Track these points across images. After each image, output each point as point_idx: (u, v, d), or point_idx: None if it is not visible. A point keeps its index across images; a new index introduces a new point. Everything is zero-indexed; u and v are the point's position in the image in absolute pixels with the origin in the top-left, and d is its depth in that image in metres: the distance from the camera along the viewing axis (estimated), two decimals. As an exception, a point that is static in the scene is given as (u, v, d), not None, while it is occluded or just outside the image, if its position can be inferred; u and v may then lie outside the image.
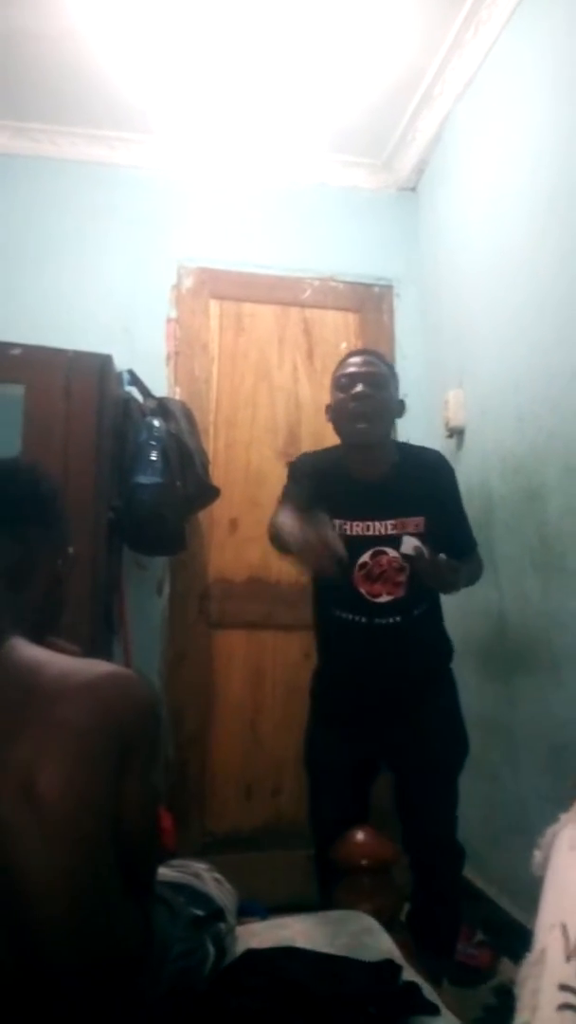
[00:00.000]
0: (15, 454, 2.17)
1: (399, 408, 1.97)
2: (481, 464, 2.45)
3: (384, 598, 1.86)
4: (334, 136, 2.94)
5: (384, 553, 1.86)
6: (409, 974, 1.18)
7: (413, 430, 2.97)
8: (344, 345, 3.02)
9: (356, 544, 1.86)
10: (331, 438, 2.82)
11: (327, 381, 2.91)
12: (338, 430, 1.95)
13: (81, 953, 0.82)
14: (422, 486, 1.91)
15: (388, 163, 3.09)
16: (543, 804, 1.94)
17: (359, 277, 3.08)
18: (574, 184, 1.93)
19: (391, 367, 2.00)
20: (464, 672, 2.33)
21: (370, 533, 1.87)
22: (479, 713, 2.26)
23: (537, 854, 0.62)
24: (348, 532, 1.87)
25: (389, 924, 1.42)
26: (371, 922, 1.35)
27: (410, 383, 3.00)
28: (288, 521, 1.77)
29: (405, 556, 1.84)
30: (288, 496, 1.96)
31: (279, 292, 3.01)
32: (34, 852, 0.79)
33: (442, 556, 1.73)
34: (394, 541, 1.85)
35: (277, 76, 2.61)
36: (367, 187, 3.16)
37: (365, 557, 1.87)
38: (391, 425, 1.97)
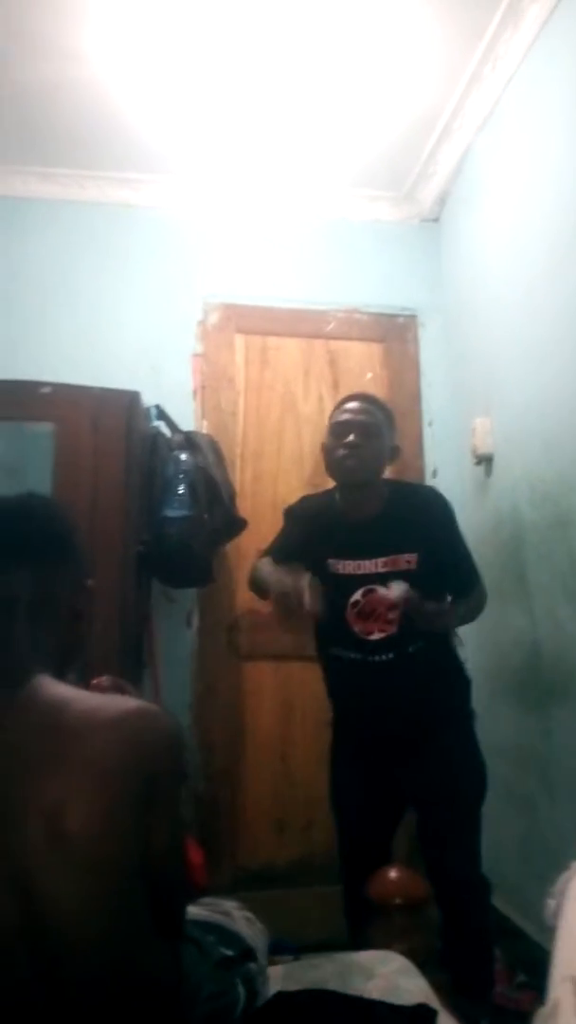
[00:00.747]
0: (47, 491, 2.21)
1: (392, 454, 2.01)
2: (510, 491, 2.43)
3: (376, 636, 1.89)
4: (356, 170, 2.98)
5: (375, 591, 1.88)
6: (445, 1018, 1.15)
7: (441, 458, 2.97)
8: (370, 375, 3.04)
9: (348, 583, 1.91)
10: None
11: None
12: (328, 472, 2.01)
13: (111, 992, 0.82)
14: (414, 523, 1.93)
15: (410, 195, 3.13)
16: (582, 840, 1.89)
17: (383, 308, 3.10)
18: (595, 211, 1.94)
19: (388, 413, 2.02)
20: (498, 703, 2.29)
21: (361, 572, 1.90)
22: (515, 744, 2.21)
23: (550, 903, 0.61)
24: (340, 571, 1.92)
25: (424, 965, 1.39)
26: (405, 963, 1.32)
27: (436, 411, 3.02)
28: (267, 568, 1.91)
29: (354, 604, 1.88)
30: (274, 544, 2.07)
31: (303, 325, 3.04)
32: (64, 890, 0.79)
33: (429, 601, 1.76)
34: (385, 579, 1.87)
35: (297, 113, 2.66)
36: (390, 219, 3.19)
37: (357, 595, 1.90)
38: (381, 469, 1.99)
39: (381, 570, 1.88)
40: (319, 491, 2.17)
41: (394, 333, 3.11)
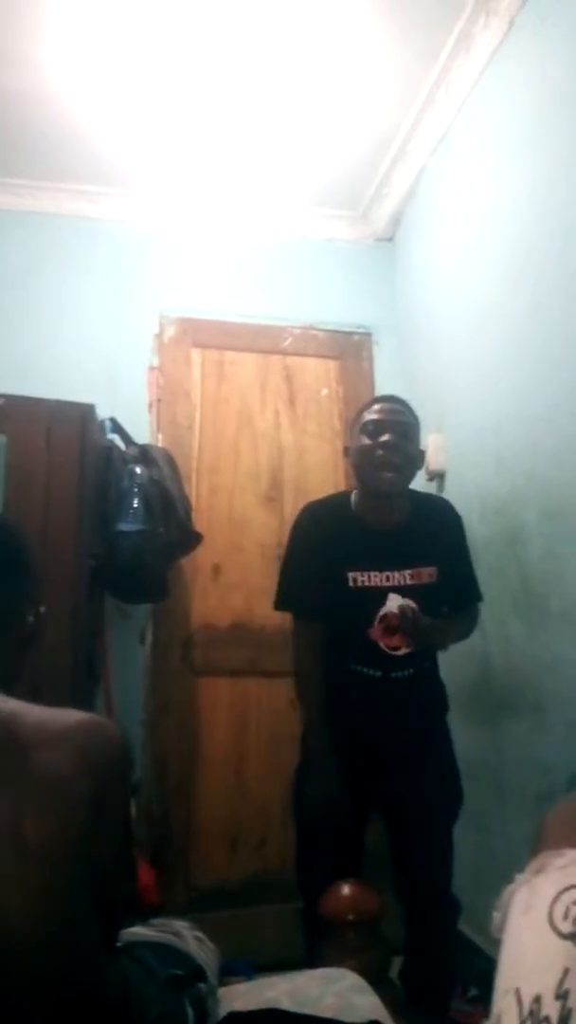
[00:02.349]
0: (-4, 504, 2.17)
1: (421, 458, 1.95)
2: (462, 507, 2.44)
3: (403, 651, 1.83)
4: (313, 189, 3.02)
5: (409, 604, 1.81)
6: (397, 1034, 1.15)
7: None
8: (325, 391, 3.06)
9: (375, 595, 1.83)
10: (313, 483, 2.86)
11: (309, 427, 2.99)
12: (359, 475, 1.90)
13: (60, 1006, 0.81)
14: (434, 535, 1.90)
15: (365, 215, 3.18)
16: (530, 853, 1.91)
17: (339, 325, 3.14)
18: (546, 234, 1.99)
19: (416, 417, 1.95)
20: (450, 717, 2.31)
21: (389, 584, 1.83)
22: (465, 759, 2.23)
23: (496, 915, 0.61)
24: (363, 584, 1.84)
25: (377, 981, 1.39)
26: (358, 980, 1.32)
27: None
28: (311, 677, 1.86)
29: (382, 618, 1.82)
30: (294, 594, 1.92)
31: (260, 340, 3.06)
32: (20, 902, 0.78)
33: (426, 618, 1.74)
34: (412, 591, 1.82)
35: (255, 131, 2.69)
36: (346, 238, 3.24)
37: (393, 606, 1.81)
38: (413, 476, 1.93)
39: (409, 582, 1.83)
40: (328, 496, 2.07)
41: (349, 350, 3.14)
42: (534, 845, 0.63)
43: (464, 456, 2.50)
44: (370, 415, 1.88)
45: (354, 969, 1.36)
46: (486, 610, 2.14)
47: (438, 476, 2.67)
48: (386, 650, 1.83)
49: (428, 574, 1.85)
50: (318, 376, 3.08)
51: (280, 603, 1.96)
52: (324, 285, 3.17)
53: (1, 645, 0.97)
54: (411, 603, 1.80)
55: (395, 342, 3.13)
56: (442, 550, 1.89)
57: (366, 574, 1.83)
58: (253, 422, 2.99)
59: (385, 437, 1.82)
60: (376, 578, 1.83)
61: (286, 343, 3.08)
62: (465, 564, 1.97)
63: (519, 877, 0.60)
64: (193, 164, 2.86)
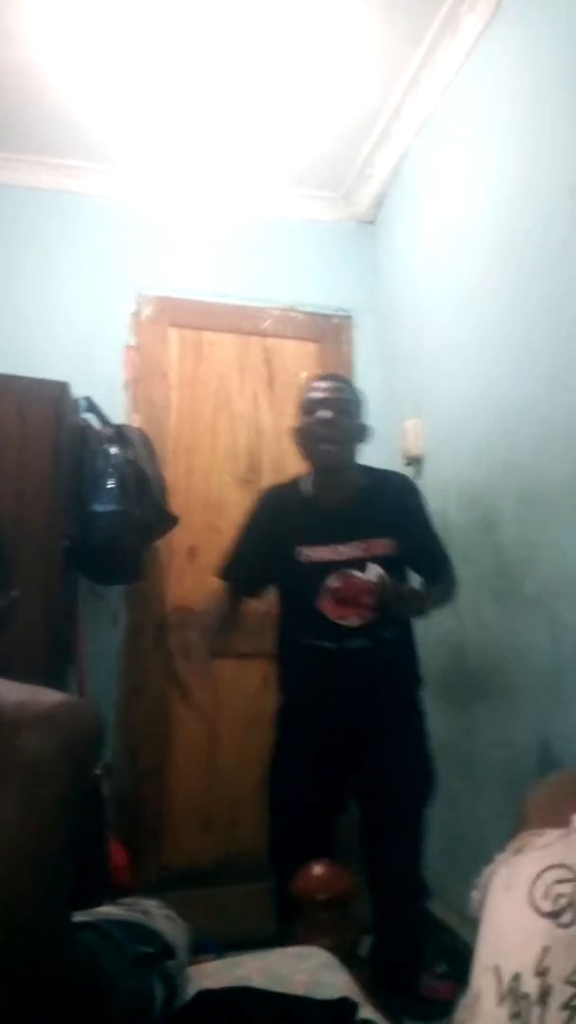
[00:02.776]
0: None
1: (365, 433, 1.97)
2: (439, 493, 2.47)
3: (353, 621, 1.85)
4: (294, 169, 2.99)
5: (352, 576, 1.84)
6: (367, 1011, 1.16)
7: (372, 458, 3.00)
8: (304, 374, 3.04)
9: (321, 569, 1.86)
10: (292, 465, 2.82)
11: (288, 409, 2.96)
12: (304, 453, 1.95)
13: (33, 985, 0.80)
14: (389, 508, 1.92)
15: (347, 196, 3.15)
16: (503, 833, 1.93)
17: (319, 308, 3.12)
18: (527, 220, 1.99)
19: (358, 392, 2.00)
20: (424, 699, 2.32)
21: (338, 557, 1.86)
22: (439, 741, 2.24)
23: (474, 894, 0.62)
24: (313, 558, 1.87)
25: (347, 959, 1.39)
26: (328, 958, 1.32)
27: (369, 412, 3.05)
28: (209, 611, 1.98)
29: (330, 590, 1.84)
30: (226, 558, 2.05)
31: (239, 321, 3.03)
32: None
33: (406, 584, 1.74)
34: (363, 564, 1.84)
35: (238, 110, 2.65)
36: (327, 219, 3.21)
37: (334, 581, 1.85)
38: (356, 450, 1.96)
39: (359, 555, 1.85)
40: (285, 480, 2.11)
41: (329, 333, 3.12)
42: (514, 825, 0.63)
43: (442, 442, 2.50)
44: (309, 394, 1.94)
45: (325, 948, 1.36)
46: (461, 594, 2.16)
47: (415, 461, 2.67)
48: (336, 621, 1.85)
49: (382, 546, 1.87)
50: (297, 358, 3.06)
51: (219, 572, 2.08)
52: (305, 267, 3.15)
53: None
54: (357, 574, 1.84)
55: (375, 325, 3.12)
56: (398, 523, 1.91)
57: (315, 548, 1.88)
58: (231, 403, 2.97)
59: (323, 413, 1.87)
60: (325, 552, 1.87)
61: (265, 324, 3.05)
62: (426, 534, 1.98)
63: (499, 856, 0.60)
64: (175, 141, 2.82)
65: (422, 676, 2.00)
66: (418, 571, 1.96)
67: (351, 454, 1.93)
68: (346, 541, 1.86)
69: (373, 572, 1.80)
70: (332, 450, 1.88)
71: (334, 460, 1.89)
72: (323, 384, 1.95)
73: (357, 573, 1.83)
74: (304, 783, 1.89)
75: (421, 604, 1.77)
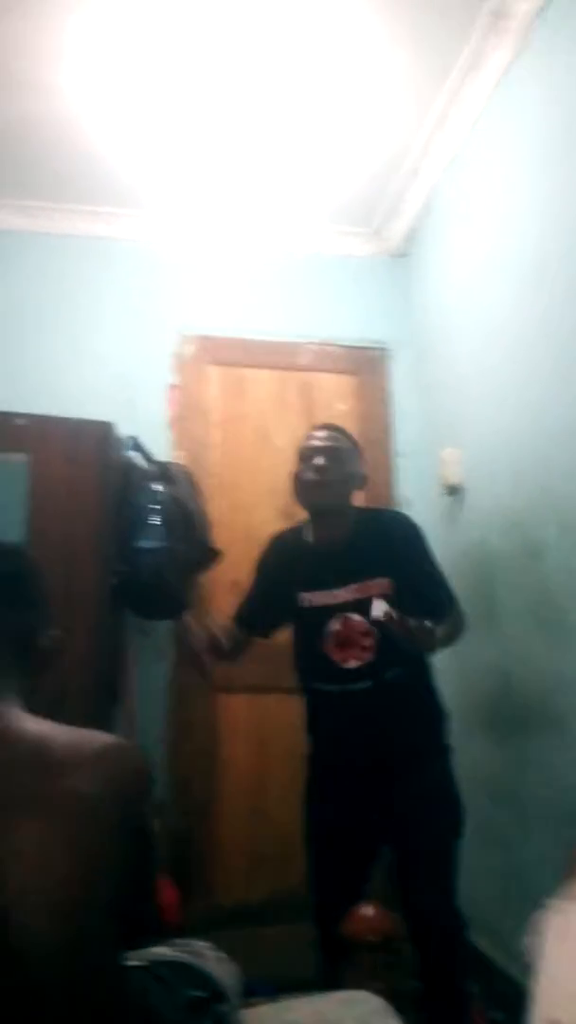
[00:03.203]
0: (20, 522, 2.20)
1: (359, 480, 2.04)
2: (480, 521, 2.46)
3: (352, 663, 1.88)
4: (329, 207, 3.05)
5: (350, 619, 1.89)
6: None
7: (412, 488, 3.01)
8: (343, 407, 3.07)
9: (321, 614, 1.92)
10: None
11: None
12: (298, 499, 2.03)
13: None
14: (383, 548, 1.93)
15: (379, 232, 3.20)
16: (554, 871, 1.89)
17: (355, 341, 3.15)
18: (558, 250, 1.99)
19: (353, 441, 2.07)
20: (469, 734, 2.30)
21: (333, 602, 1.91)
22: (487, 777, 2.22)
23: (527, 940, 0.61)
24: (312, 603, 1.93)
25: (400, 1004, 1.37)
26: (380, 1003, 1.31)
27: (407, 442, 3.06)
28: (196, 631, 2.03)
29: (375, 620, 1.82)
30: (245, 605, 2.13)
31: (277, 357, 3.08)
32: (42, 928, 0.78)
33: (412, 619, 1.72)
34: (359, 606, 1.87)
35: (270, 150, 2.72)
36: (361, 255, 3.25)
37: (334, 625, 1.90)
38: (349, 495, 2.02)
39: (353, 597, 1.89)
40: (292, 526, 2.16)
41: (366, 366, 3.15)
42: (567, 870, 0.63)
43: (480, 470, 2.49)
44: (305, 443, 2.02)
45: (376, 992, 1.35)
46: (505, 623, 2.14)
47: (455, 491, 2.67)
48: (338, 664, 1.89)
49: (378, 587, 1.88)
50: (335, 392, 3.09)
51: (235, 616, 2.15)
52: (340, 301, 3.19)
53: (18, 669, 0.98)
54: (356, 618, 1.88)
55: (411, 357, 3.14)
56: (393, 562, 1.91)
57: (314, 594, 1.94)
58: (271, 438, 3.00)
59: (315, 460, 1.95)
60: (323, 597, 1.93)
61: (303, 359, 3.10)
62: (424, 573, 1.96)
63: (552, 903, 0.59)
64: (208, 183, 2.90)
65: (443, 710, 1.98)
66: (418, 610, 1.93)
67: (343, 498, 1.99)
68: (342, 584, 1.91)
69: (379, 609, 1.79)
70: (321, 492, 1.95)
71: (323, 500, 1.96)
72: (319, 433, 2.03)
73: (354, 616, 1.87)
74: (331, 825, 1.92)
75: (429, 638, 1.74)
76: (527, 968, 0.62)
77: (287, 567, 2.03)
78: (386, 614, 1.76)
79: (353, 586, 1.90)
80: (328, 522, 1.98)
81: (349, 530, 1.97)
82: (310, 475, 1.95)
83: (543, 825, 2.06)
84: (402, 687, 1.89)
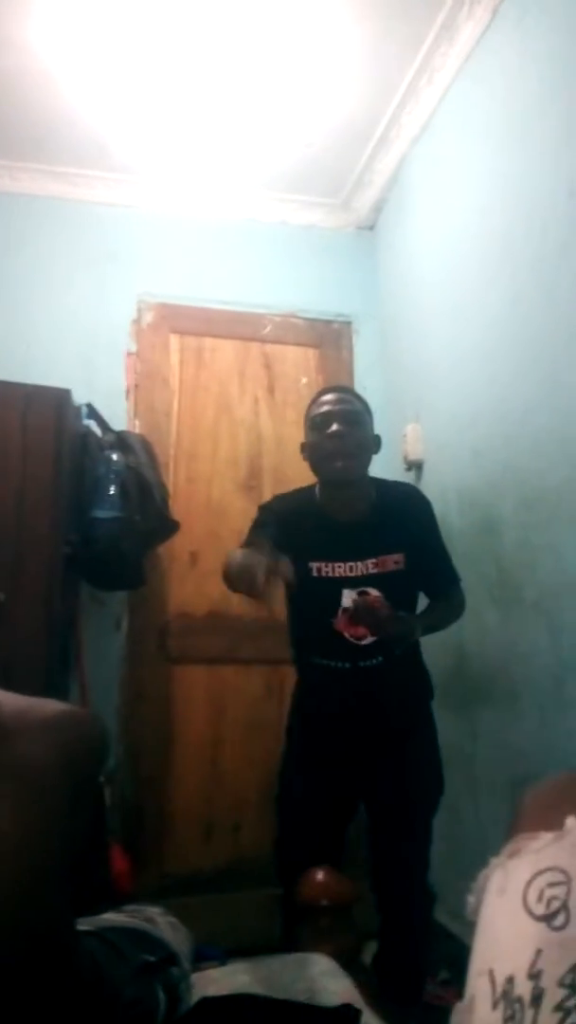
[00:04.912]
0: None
1: (376, 444, 1.92)
2: (439, 497, 2.46)
3: (368, 639, 1.82)
4: (294, 176, 3.00)
5: (368, 593, 1.80)
6: (369, 1017, 1.16)
7: (373, 464, 3.00)
8: (304, 380, 3.05)
9: (334, 585, 1.83)
10: (292, 471, 2.85)
11: (288, 415, 2.98)
12: (315, 469, 1.89)
13: (36, 997, 0.80)
14: (400, 522, 1.88)
15: (347, 203, 3.16)
16: (504, 837, 1.94)
17: (319, 314, 3.13)
18: (525, 226, 2.00)
19: (365, 403, 1.93)
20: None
21: (353, 574, 1.82)
22: (440, 746, 2.25)
23: (471, 899, 0.62)
24: (326, 574, 1.84)
25: (350, 965, 1.39)
26: (331, 964, 1.32)
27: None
28: (236, 553, 1.70)
29: (345, 609, 1.80)
30: (248, 538, 1.89)
31: (239, 327, 3.04)
32: None
33: (387, 609, 1.72)
34: (377, 580, 1.81)
35: (237, 117, 2.66)
36: (326, 226, 3.22)
37: (349, 599, 1.81)
38: (369, 462, 1.91)
39: (372, 571, 1.82)
40: (297, 489, 2.03)
41: (329, 339, 3.13)
42: (509, 828, 0.64)
43: (441, 446, 2.51)
44: (317, 409, 1.87)
45: (327, 954, 1.37)
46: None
47: (415, 466, 2.68)
48: (352, 640, 1.82)
49: (394, 561, 1.84)
50: (298, 364, 3.07)
51: (248, 534, 1.90)
52: (305, 273, 3.16)
53: None
54: (373, 594, 1.79)
55: (375, 331, 3.13)
56: (409, 537, 1.87)
57: (329, 565, 1.83)
58: (232, 409, 2.98)
59: (333, 427, 1.81)
60: (339, 569, 1.83)
61: (266, 330, 3.06)
62: (435, 549, 1.94)
63: (493, 860, 0.60)
64: (174, 149, 2.83)
65: (432, 685, 1.99)
66: (423, 586, 1.93)
67: (364, 467, 1.88)
68: (360, 557, 1.82)
69: (348, 599, 1.79)
70: (346, 465, 1.81)
71: (348, 474, 1.83)
72: (330, 396, 1.88)
73: (372, 591, 1.79)
74: (315, 791, 1.88)
75: (404, 628, 1.73)
76: (471, 926, 0.63)
77: (297, 533, 1.85)
78: (355, 603, 1.76)
79: (371, 560, 1.82)
80: (348, 494, 1.86)
81: (368, 502, 1.88)
82: (329, 445, 1.80)
83: (495, 792, 2.11)
84: (406, 660, 1.87)
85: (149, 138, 2.78)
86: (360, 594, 1.80)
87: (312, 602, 1.86)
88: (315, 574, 1.84)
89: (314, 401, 1.92)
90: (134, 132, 2.75)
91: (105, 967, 0.98)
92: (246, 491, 2.88)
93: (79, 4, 2.20)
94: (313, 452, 1.87)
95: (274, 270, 3.13)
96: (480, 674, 2.22)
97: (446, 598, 1.95)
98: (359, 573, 1.82)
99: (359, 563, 1.82)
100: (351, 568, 1.83)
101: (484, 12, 2.19)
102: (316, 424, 1.85)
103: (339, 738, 1.89)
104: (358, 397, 1.94)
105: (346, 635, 1.82)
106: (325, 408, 1.85)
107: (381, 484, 1.96)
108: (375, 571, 1.82)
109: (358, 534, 1.85)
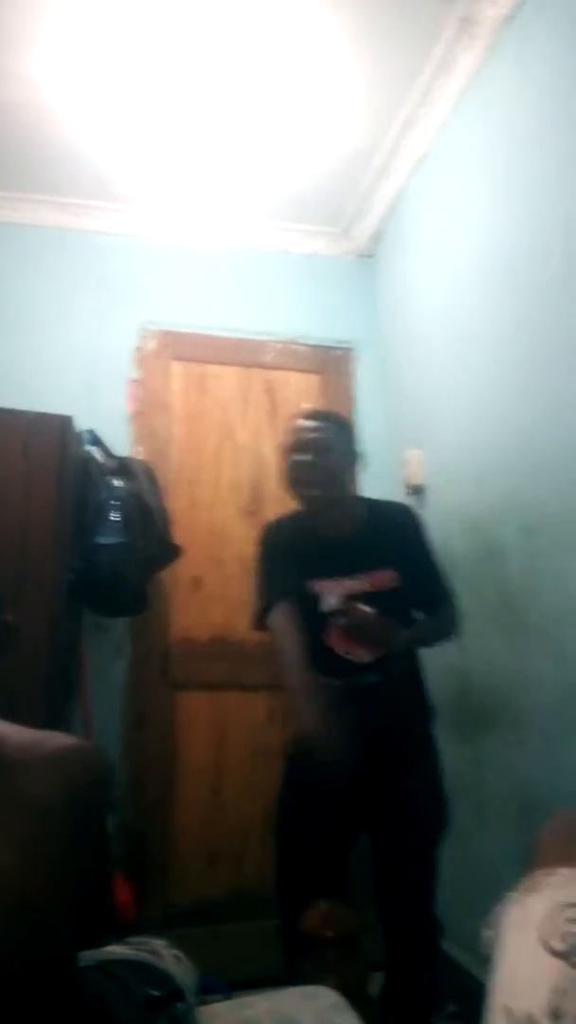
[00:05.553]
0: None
1: (352, 462, 1.94)
2: (441, 523, 2.47)
3: (360, 656, 1.82)
4: (294, 206, 3.04)
5: (359, 609, 1.79)
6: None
7: (375, 488, 3.01)
8: (307, 406, 3.07)
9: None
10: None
11: (290, 441, 2.98)
12: (292, 497, 1.94)
13: None
14: (391, 539, 1.90)
15: (347, 231, 3.20)
16: (513, 866, 1.91)
17: (320, 340, 3.16)
18: (524, 255, 2.02)
19: (340, 422, 1.97)
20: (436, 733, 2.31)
21: (343, 591, 1.83)
22: (447, 774, 2.23)
23: (487, 933, 0.61)
24: (320, 591, 1.85)
25: (356, 998, 1.38)
26: (337, 998, 1.31)
27: (371, 442, 3.04)
28: (288, 651, 1.76)
29: (330, 613, 1.81)
30: (265, 584, 1.91)
31: (242, 354, 3.06)
32: None
33: (374, 614, 1.72)
34: (371, 598, 1.81)
35: (238, 147, 2.70)
36: (327, 254, 3.26)
37: (341, 615, 1.81)
38: (346, 481, 1.93)
39: (367, 589, 1.83)
40: (287, 513, 2.05)
41: (331, 365, 3.16)
42: (527, 863, 0.63)
43: (443, 472, 2.52)
44: (287, 437, 1.92)
45: (333, 987, 1.35)
46: (466, 626, 2.15)
47: (417, 491, 2.69)
48: (344, 657, 1.82)
49: (388, 579, 1.85)
50: (299, 390, 3.09)
51: (259, 617, 1.92)
52: (306, 300, 3.19)
53: None
54: (334, 599, 1.81)
55: (376, 358, 3.16)
56: (400, 554, 1.88)
57: (322, 582, 1.85)
58: (234, 435, 2.99)
59: (299, 457, 1.86)
60: (331, 586, 1.84)
61: (268, 357, 3.09)
62: (426, 565, 1.94)
63: (511, 895, 0.60)
64: (176, 178, 2.87)
65: (433, 708, 1.96)
66: (417, 603, 1.94)
67: (339, 491, 1.90)
68: (351, 574, 1.84)
69: (331, 599, 1.79)
70: (312, 493, 1.86)
71: (316, 502, 1.88)
72: (298, 425, 1.92)
73: (364, 607, 1.79)
74: (315, 819, 1.84)
75: (389, 636, 1.73)
76: (485, 961, 0.62)
77: (294, 553, 1.90)
78: (341, 600, 1.76)
79: (363, 576, 1.84)
80: (334, 514, 1.90)
81: (357, 519, 1.91)
82: (298, 473, 1.86)
83: (501, 820, 2.09)
84: (405, 680, 1.86)
85: (150, 169, 2.82)
86: (352, 610, 1.79)
87: (307, 619, 1.86)
88: (310, 591, 1.85)
89: (287, 428, 1.97)
90: (135, 163, 2.79)
91: (110, 1001, 0.97)
92: (248, 516, 2.88)
93: (81, 38, 2.24)
94: (286, 480, 1.91)
95: (276, 297, 3.16)
96: (485, 700, 2.20)
97: (434, 614, 1.95)
98: (350, 590, 1.83)
99: (350, 580, 1.84)
100: (343, 585, 1.84)
101: (482, 44, 2.23)
102: (286, 452, 1.90)
103: (335, 762, 1.82)
104: (333, 422, 1.96)
105: (338, 651, 1.83)
106: (293, 438, 1.90)
107: (372, 503, 2.01)
108: (370, 588, 1.83)
109: (348, 550, 1.87)
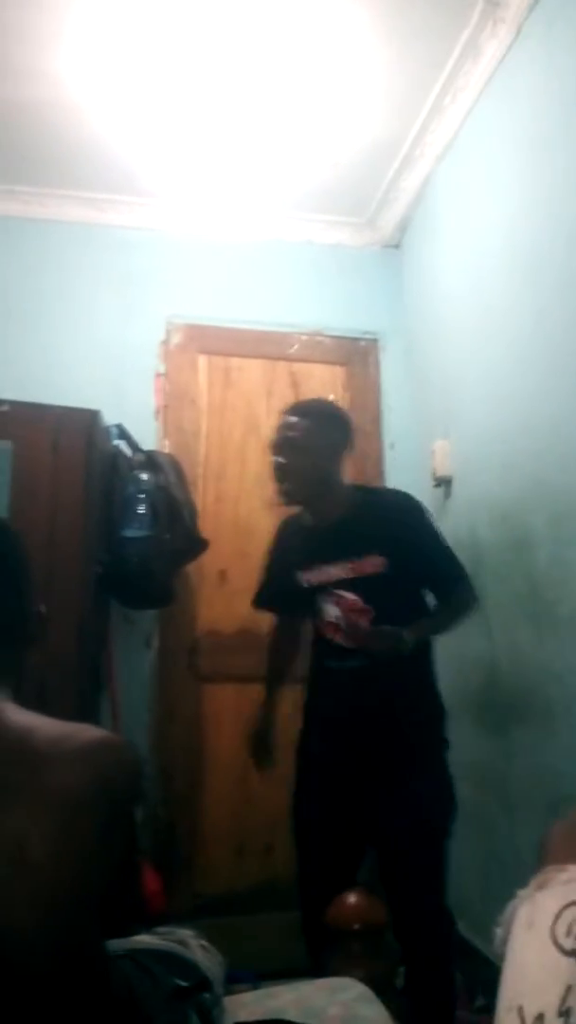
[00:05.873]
0: (2, 510, 2.17)
1: (340, 451, 1.96)
2: (469, 513, 2.46)
3: (348, 643, 1.86)
4: (319, 196, 3.02)
5: (343, 597, 1.86)
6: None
7: (402, 479, 3.00)
8: (332, 398, 3.05)
9: (317, 591, 1.91)
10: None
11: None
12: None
13: (66, 1019, 0.80)
14: (382, 526, 1.88)
15: (372, 222, 3.18)
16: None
17: (345, 331, 3.14)
18: (551, 242, 1.99)
19: (323, 415, 1.99)
20: (458, 724, 2.30)
21: (327, 579, 1.89)
22: (474, 765, 2.22)
23: (498, 931, 0.60)
24: (310, 581, 1.92)
25: (383, 990, 1.37)
26: (364, 990, 1.30)
27: (397, 434, 3.05)
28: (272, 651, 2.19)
29: (329, 624, 1.89)
30: (261, 585, 2.13)
31: (267, 347, 3.06)
32: (21, 918, 0.77)
33: (366, 624, 1.77)
34: (355, 584, 1.85)
35: (263, 139, 2.69)
36: (352, 244, 3.24)
37: (328, 602, 1.88)
38: (329, 473, 1.94)
39: (348, 575, 1.86)
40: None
41: (356, 356, 3.14)
42: (537, 859, 0.62)
43: (471, 462, 2.49)
44: (272, 435, 1.99)
45: (360, 979, 1.35)
46: (493, 615, 2.14)
47: (445, 482, 2.67)
48: (334, 641, 1.88)
49: (373, 565, 1.84)
50: (325, 382, 3.08)
51: (255, 602, 2.18)
52: (331, 291, 3.17)
53: (3, 652, 0.97)
54: (349, 598, 1.85)
55: (402, 348, 3.13)
56: (392, 540, 1.86)
57: (312, 571, 1.92)
58: (259, 428, 2.99)
59: (273, 458, 1.94)
60: (320, 574, 1.91)
61: (292, 349, 3.08)
62: (429, 549, 1.92)
63: (521, 893, 0.59)
64: (200, 172, 2.87)
65: (443, 707, 1.94)
66: (423, 588, 1.94)
67: (314, 488, 1.92)
68: (334, 561, 1.88)
69: (331, 613, 1.86)
70: (284, 491, 1.93)
71: (288, 499, 1.95)
72: (281, 423, 1.98)
73: (347, 594, 1.85)
74: (321, 814, 1.89)
75: (388, 643, 1.73)
76: (499, 958, 0.61)
77: (289, 548, 2.03)
78: (336, 618, 1.84)
79: (346, 563, 1.87)
80: (320, 505, 1.95)
81: (342, 508, 1.93)
82: (273, 473, 1.94)
83: (530, 813, 2.07)
84: (401, 669, 1.83)
85: (175, 162, 2.82)
86: (337, 600, 1.86)
87: (305, 608, 1.98)
88: (303, 583, 1.93)
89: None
90: (160, 157, 2.79)
91: (138, 991, 0.98)
92: (274, 509, 2.87)
93: (105, 35, 2.25)
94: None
95: (301, 289, 3.15)
96: (514, 692, 2.18)
97: (448, 598, 1.95)
98: (337, 576, 1.87)
99: (333, 567, 1.88)
100: (327, 574, 1.89)
101: (508, 30, 2.20)
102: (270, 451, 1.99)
103: (336, 743, 1.90)
104: (311, 413, 1.98)
105: (328, 636, 1.90)
106: (272, 437, 1.98)
107: (367, 491, 2.07)
108: (353, 575, 1.86)
109: (332, 538, 1.91)
